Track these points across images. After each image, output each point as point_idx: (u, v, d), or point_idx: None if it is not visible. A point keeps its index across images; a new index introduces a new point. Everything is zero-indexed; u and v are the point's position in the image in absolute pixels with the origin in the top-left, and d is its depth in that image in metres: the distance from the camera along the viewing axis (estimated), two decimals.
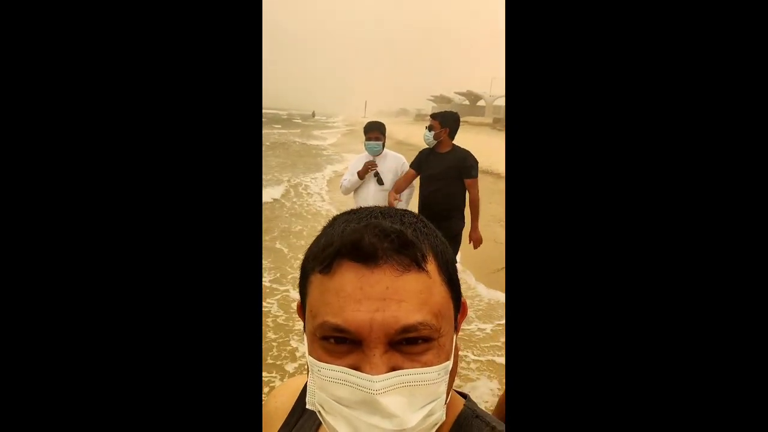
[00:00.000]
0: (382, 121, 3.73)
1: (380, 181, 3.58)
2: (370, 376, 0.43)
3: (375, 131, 3.58)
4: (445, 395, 0.48)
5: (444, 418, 0.48)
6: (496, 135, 22.99)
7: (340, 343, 0.45)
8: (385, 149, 3.63)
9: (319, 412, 0.48)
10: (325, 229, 0.51)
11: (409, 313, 0.44)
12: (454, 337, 0.50)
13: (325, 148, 21.55)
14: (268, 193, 8.65)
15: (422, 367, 0.45)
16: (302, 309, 0.51)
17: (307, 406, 0.49)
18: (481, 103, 57.09)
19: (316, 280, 0.47)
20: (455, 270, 0.51)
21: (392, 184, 3.58)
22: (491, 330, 3.83)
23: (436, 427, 0.48)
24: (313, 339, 0.47)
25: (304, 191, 9.68)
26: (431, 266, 0.47)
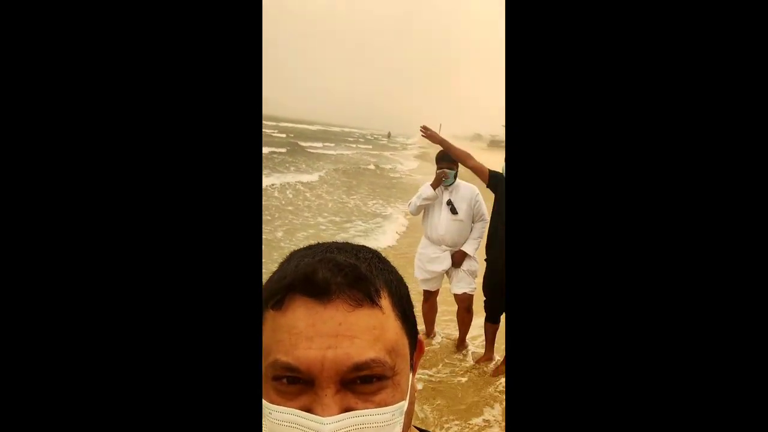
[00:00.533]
0: (456, 145, 3.67)
1: (454, 210, 3.51)
2: (320, 418, 0.42)
3: (447, 161, 3.51)
4: None
5: None
6: None
7: (292, 383, 0.44)
8: (457, 179, 3.58)
9: None
10: (281, 264, 0.50)
11: (362, 350, 0.43)
12: (411, 376, 0.49)
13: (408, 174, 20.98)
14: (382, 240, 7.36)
15: (376, 407, 0.43)
16: None
17: None
18: None
19: (269, 316, 0.46)
20: (411, 307, 0.50)
21: (467, 214, 3.53)
22: None
23: None
24: (266, 380, 0.46)
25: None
26: (385, 302, 0.46)
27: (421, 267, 3.70)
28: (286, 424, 0.43)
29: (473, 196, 3.59)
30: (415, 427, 0.53)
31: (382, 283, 0.47)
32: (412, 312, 0.50)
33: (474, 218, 3.61)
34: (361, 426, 0.43)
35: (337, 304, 0.44)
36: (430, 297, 3.86)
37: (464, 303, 3.68)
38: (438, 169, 3.55)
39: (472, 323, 3.81)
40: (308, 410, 0.43)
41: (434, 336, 4.02)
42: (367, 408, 0.43)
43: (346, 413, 0.42)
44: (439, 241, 3.62)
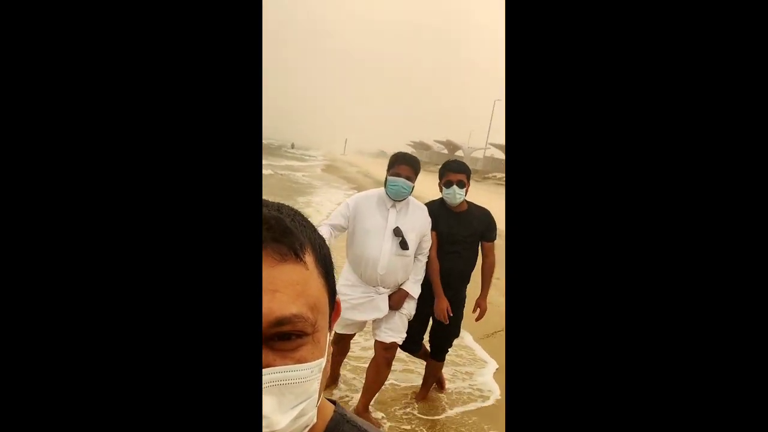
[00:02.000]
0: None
1: (404, 244, 2.53)
2: None
3: (406, 165, 2.54)
4: (317, 395, 0.45)
5: (315, 420, 0.45)
6: (474, 186, 22.99)
7: None
8: (410, 196, 2.63)
9: None
10: None
11: (284, 305, 0.42)
12: (328, 335, 0.48)
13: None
14: None
15: (295, 363, 0.42)
16: None
17: None
18: (459, 153, 56.28)
19: None
20: (332, 265, 0.50)
21: (414, 246, 2.62)
22: None
23: (307, 430, 0.45)
24: None
25: None
26: (309, 258, 0.45)
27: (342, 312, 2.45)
28: None
29: (424, 224, 2.69)
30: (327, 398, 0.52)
31: (306, 239, 0.46)
32: (332, 271, 0.50)
33: (417, 251, 2.70)
34: (280, 382, 0.41)
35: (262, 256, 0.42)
36: (342, 339, 2.95)
37: (387, 354, 2.72)
38: (391, 174, 2.59)
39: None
40: None
41: (337, 384, 3.17)
42: (286, 364, 0.42)
43: (265, 369, 0.41)
44: (376, 281, 2.61)
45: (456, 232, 2.80)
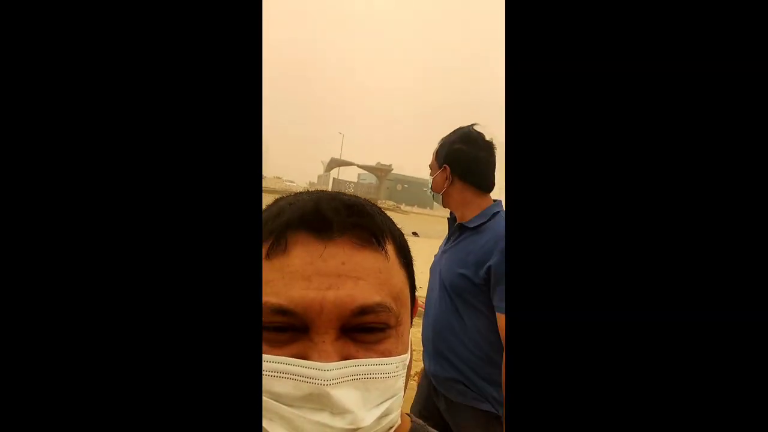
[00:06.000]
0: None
1: None
2: (320, 364, 0.36)
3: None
4: (402, 393, 0.41)
5: (399, 421, 0.42)
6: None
7: (280, 331, 0.38)
8: None
9: None
10: (266, 209, 0.44)
11: (367, 293, 0.39)
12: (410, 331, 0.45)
13: None
14: None
15: (380, 357, 0.39)
16: None
17: None
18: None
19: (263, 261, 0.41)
20: (411, 258, 0.47)
21: None
22: None
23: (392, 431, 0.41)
24: None
25: None
26: (390, 247, 0.43)
27: None
28: (276, 374, 0.37)
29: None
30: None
31: (387, 230, 0.43)
32: (413, 265, 0.47)
33: None
34: (365, 376, 0.38)
35: (340, 242, 0.39)
36: None
37: None
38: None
39: None
40: (303, 358, 0.37)
41: None
42: (370, 357, 0.39)
43: (350, 360, 0.38)
44: None
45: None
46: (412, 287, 0.46)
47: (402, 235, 0.46)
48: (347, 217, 0.40)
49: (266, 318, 0.38)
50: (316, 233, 0.39)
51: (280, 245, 0.39)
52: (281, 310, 0.37)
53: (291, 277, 0.38)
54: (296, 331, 0.38)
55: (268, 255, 0.40)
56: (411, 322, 0.46)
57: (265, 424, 0.38)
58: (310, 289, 0.37)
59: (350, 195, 0.45)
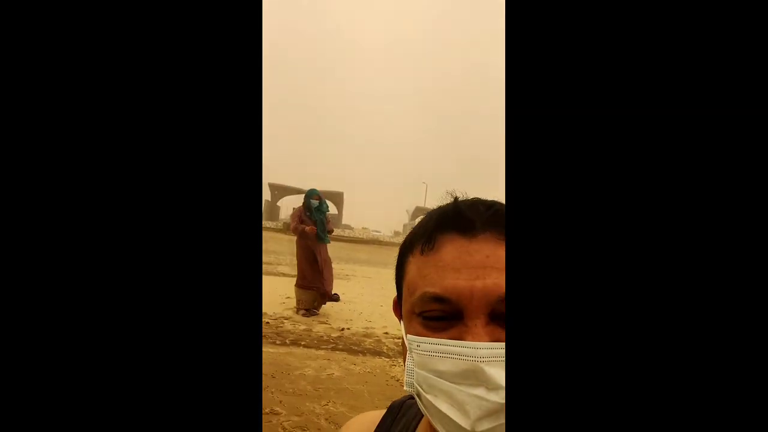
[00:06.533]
0: None
1: None
2: (474, 343, 0.41)
3: None
4: None
5: None
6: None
7: (438, 320, 0.44)
8: None
9: (418, 393, 0.45)
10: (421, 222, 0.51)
11: None
12: None
13: None
14: None
15: None
16: (398, 299, 0.51)
17: (404, 388, 0.47)
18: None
19: (414, 259, 0.47)
20: None
21: None
22: None
23: None
24: (411, 317, 0.46)
25: None
26: None
27: None
28: (436, 354, 0.43)
29: None
30: None
31: None
32: None
33: None
34: None
35: (483, 238, 0.44)
36: None
37: None
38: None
39: None
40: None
41: None
42: None
43: (500, 342, 0.41)
44: None
45: None
46: None
47: None
48: (488, 216, 0.45)
49: (426, 306, 0.44)
50: (461, 232, 0.45)
51: (430, 243, 0.46)
52: (437, 298, 0.43)
53: (444, 270, 0.44)
54: (452, 318, 0.43)
55: (422, 252, 0.46)
56: None
57: (431, 399, 0.43)
58: (460, 279, 0.43)
59: (498, 202, 0.49)
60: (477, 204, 0.47)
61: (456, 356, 0.41)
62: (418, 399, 0.46)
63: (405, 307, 0.47)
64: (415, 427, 0.55)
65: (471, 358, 0.41)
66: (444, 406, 0.42)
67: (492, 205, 0.47)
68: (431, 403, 0.43)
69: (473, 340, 0.41)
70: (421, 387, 0.44)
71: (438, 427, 0.44)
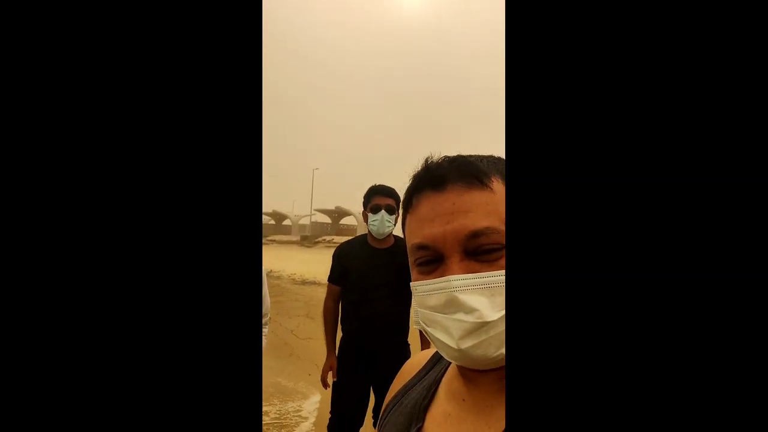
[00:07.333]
0: None
1: None
2: (448, 277, 0.49)
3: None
4: None
5: None
6: (304, 251, 28.49)
7: (428, 263, 0.52)
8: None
9: (424, 329, 0.53)
10: None
11: (476, 221, 0.49)
12: None
13: None
14: None
15: (500, 270, 0.48)
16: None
17: (413, 326, 0.56)
18: (287, 222, 59.95)
19: (406, 222, 0.57)
20: None
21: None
22: None
23: None
24: (412, 268, 0.54)
25: None
26: (497, 185, 0.51)
27: None
28: (427, 292, 0.51)
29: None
30: None
31: (493, 170, 0.52)
32: None
33: None
34: (488, 285, 0.48)
35: (450, 189, 0.51)
36: None
37: None
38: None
39: None
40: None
41: None
42: (493, 270, 0.48)
43: (472, 273, 0.49)
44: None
45: (377, 274, 2.26)
46: None
47: None
48: (452, 170, 0.52)
49: (415, 255, 0.53)
50: (432, 188, 0.52)
51: (411, 204, 0.55)
52: (420, 246, 0.52)
53: (422, 222, 0.52)
54: (436, 261, 0.51)
55: (408, 212, 0.56)
56: None
57: (430, 330, 0.52)
58: (434, 227, 0.50)
59: (461, 155, 0.55)
60: (442, 161, 0.54)
61: (439, 290, 0.49)
62: (425, 332, 0.53)
63: (409, 261, 0.55)
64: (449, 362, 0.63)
65: (448, 290, 0.48)
66: (438, 334, 0.50)
67: (455, 159, 0.53)
68: (432, 335, 0.52)
69: (449, 273, 0.49)
70: (424, 323, 0.53)
71: (439, 350, 0.53)
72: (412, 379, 0.68)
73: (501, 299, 0.48)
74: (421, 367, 0.69)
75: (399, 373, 0.72)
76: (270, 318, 2.36)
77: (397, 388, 0.69)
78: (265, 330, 2.27)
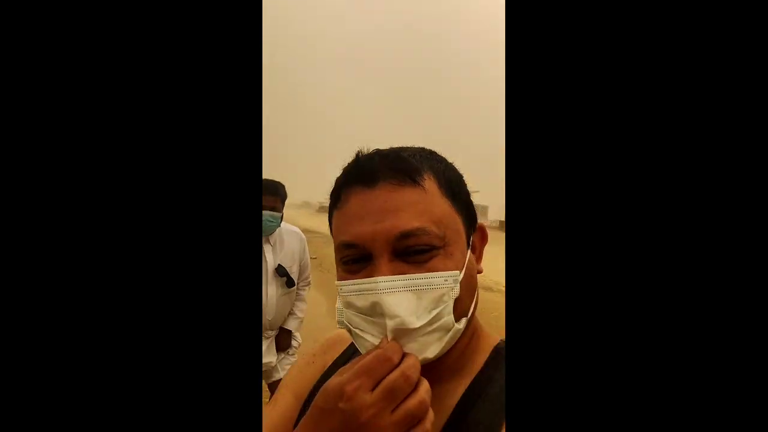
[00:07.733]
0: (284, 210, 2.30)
1: (290, 282, 2.29)
2: (375, 278, 0.47)
3: (267, 195, 2.17)
4: (452, 303, 0.48)
5: (457, 326, 0.49)
6: None
7: (355, 262, 0.50)
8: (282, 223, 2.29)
9: (348, 329, 0.51)
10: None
11: (406, 221, 0.47)
12: (468, 253, 0.52)
13: None
14: None
15: (427, 272, 0.47)
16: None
17: (338, 326, 0.53)
18: None
19: (333, 217, 0.54)
20: (464, 192, 0.54)
21: (298, 276, 2.35)
22: None
23: (451, 337, 0.49)
24: (337, 265, 0.52)
25: None
26: (429, 182, 0.50)
27: None
28: (352, 293, 0.49)
29: (302, 248, 2.40)
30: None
31: (426, 167, 0.51)
32: (467, 197, 0.54)
33: (299, 281, 2.41)
34: (415, 288, 0.47)
35: (381, 185, 0.49)
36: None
37: None
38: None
39: None
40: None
41: None
42: (420, 272, 0.47)
43: (400, 275, 0.47)
44: (265, 326, 2.31)
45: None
46: (466, 215, 0.52)
47: (451, 172, 0.53)
48: (383, 166, 0.50)
49: (342, 253, 0.51)
50: (363, 183, 0.50)
51: (339, 199, 0.52)
52: (348, 245, 0.50)
53: (351, 219, 0.50)
54: (364, 260, 0.49)
55: (336, 207, 0.53)
56: (476, 250, 0.54)
57: (355, 331, 0.50)
58: (364, 225, 0.48)
59: (398, 148, 0.53)
60: (374, 155, 0.52)
61: (364, 292, 0.48)
62: (350, 333, 0.52)
63: (335, 258, 0.53)
64: None
65: (373, 292, 0.47)
66: (368, 336, 0.49)
67: (387, 154, 0.51)
68: (358, 335, 0.50)
69: (376, 274, 0.47)
70: (349, 323, 0.51)
71: (361, 351, 0.51)
72: (341, 355, 0.65)
73: (428, 302, 0.47)
74: (347, 345, 0.66)
75: (331, 343, 0.68)
76: (310, 281, 2.53)
77: (328, 362, 0.65)
78: (305, 291, 2.43)
